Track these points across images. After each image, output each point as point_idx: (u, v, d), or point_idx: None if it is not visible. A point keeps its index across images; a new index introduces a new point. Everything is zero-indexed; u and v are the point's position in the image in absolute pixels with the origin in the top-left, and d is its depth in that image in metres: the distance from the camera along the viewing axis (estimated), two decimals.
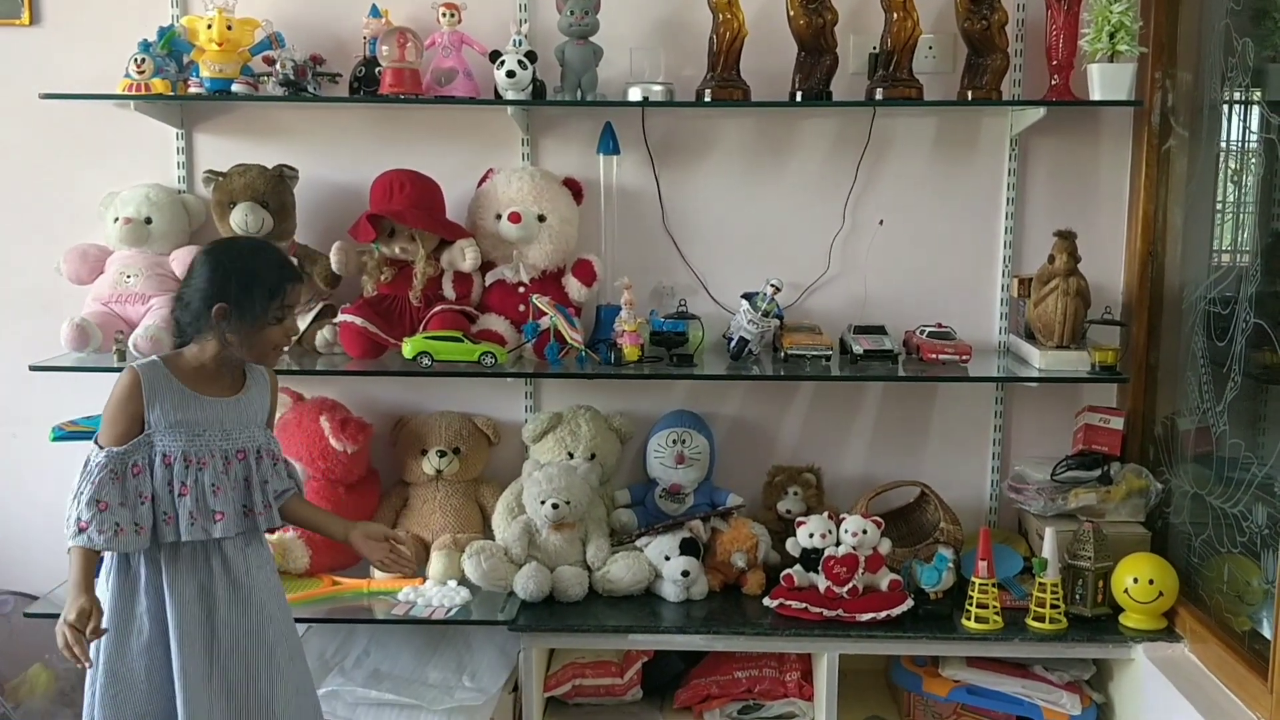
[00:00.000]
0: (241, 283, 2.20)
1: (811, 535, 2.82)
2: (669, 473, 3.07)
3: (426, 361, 2.81)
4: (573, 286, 3.03)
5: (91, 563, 2.18)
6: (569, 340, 2.86)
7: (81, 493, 2.16)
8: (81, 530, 2.14)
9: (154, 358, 2.26)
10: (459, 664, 2.99)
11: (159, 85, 2.92)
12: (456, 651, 3.03)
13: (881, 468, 3.19)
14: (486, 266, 3.03)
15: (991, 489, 3.18)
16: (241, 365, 2.32)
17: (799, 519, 2.87)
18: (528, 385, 3.19)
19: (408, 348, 2.82)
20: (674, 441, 3.07)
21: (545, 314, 2.86)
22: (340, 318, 2.93)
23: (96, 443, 2.21)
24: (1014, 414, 3.16)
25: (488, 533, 3.06)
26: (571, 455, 3.06)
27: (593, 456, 3.07)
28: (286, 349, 2.28)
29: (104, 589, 2.22)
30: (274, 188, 2.98)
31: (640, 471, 3.17)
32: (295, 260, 2.98)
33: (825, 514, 2.86)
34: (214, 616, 2.24)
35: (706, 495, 3.11)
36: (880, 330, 2.98)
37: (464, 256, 2.95)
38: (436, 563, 2.90)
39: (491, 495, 3.10)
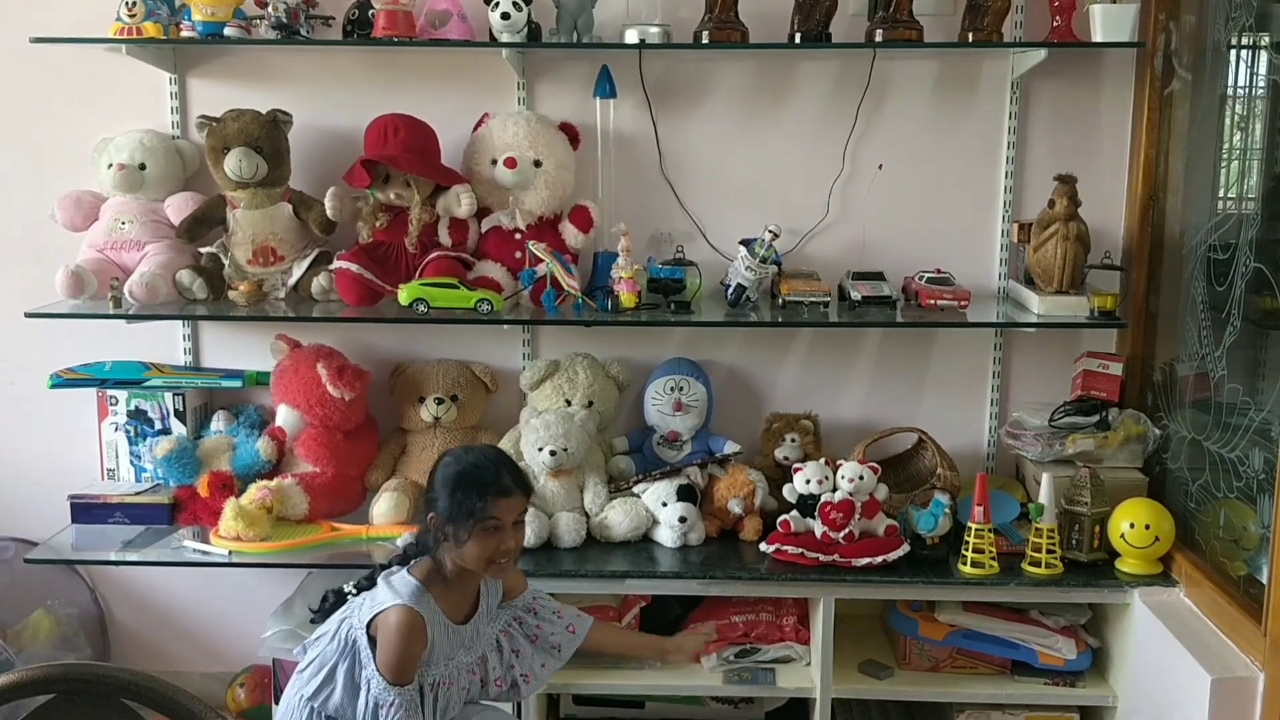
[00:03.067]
0: (450, 491, 2.19)
1: (808, 481, 2.82)
2: (666, 420, 3.07)
3: (422, 308, 2.80)
4: (569, 233, 3.01)
5: None
6: (565, 287, 2.84)
7: None
8: None
9: (413, 582, 2.21)
10: None
11: (150, 29, 2.88)
12: None
13: (879, 414, 3.19)
14: (482, 213, 3.01)
15: (990, 435, 3.18)
16: (478, 581, 2.31)
17: (796, 465, 2.87)
18: (525, 333, 3.18)
19: (404, 294, 2.81)
20: (671, 389, 3.07)
21: (542, 261, 2.84)
22: (336, 264, 2.91)
23: (385, 679, 2.15)
24: (1013, 360, 3.15)
25: None
26: (569, 403, 3.06)
27: (590, 404, 3.06)
28: (504, 561, 2.23)
29: None
30: (268, 133, 2.95)
31: (638, 418, 3.17)
32: (291, 206, 3.00)
33: (822, 460, 2.86)
34: None
35: (704, 442, 3.11)
36: (879, 276, 2.96)
37: (459, 202, 2.93)
38: None
39: (490, 442, 3.10)
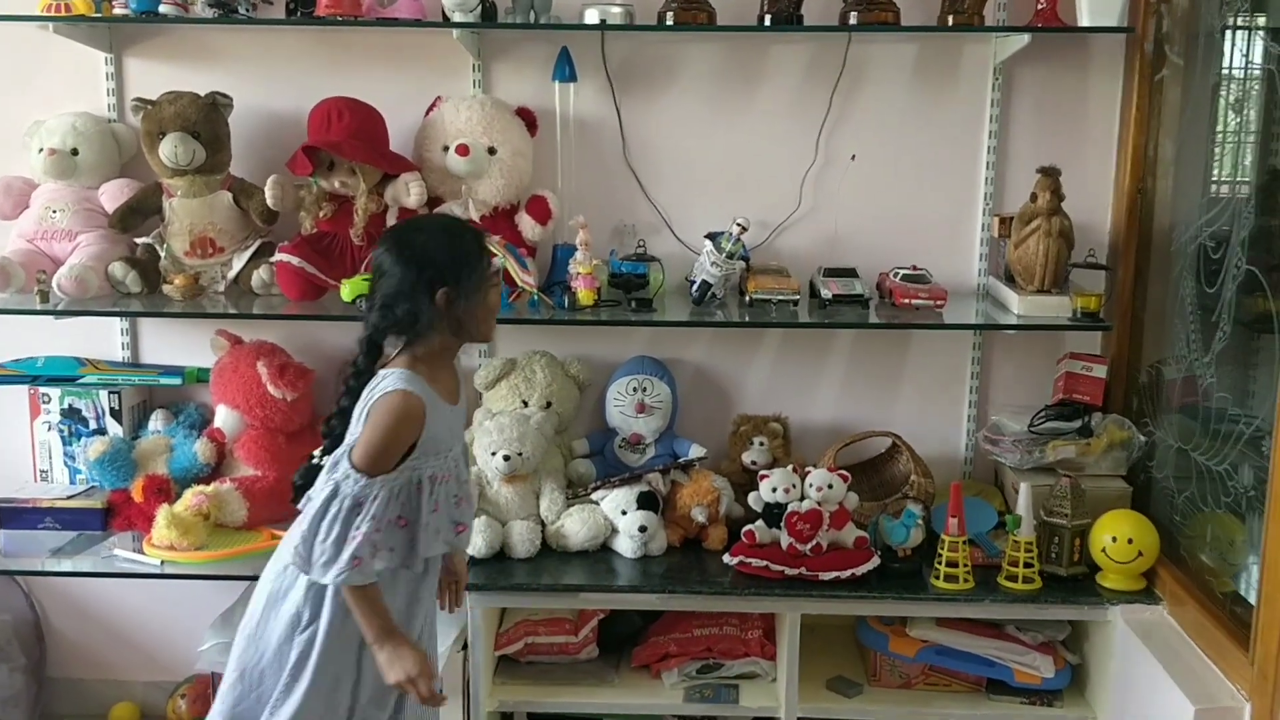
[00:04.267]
0: (453, 259, 2.02)
1: (774, 489, 2.68)
2: (629, 422, 2.92)
3: (365, 305, 2.63)
4: (526, 224, 2.85)
5: (381, 601, 2.03)
6: (519, 283, 2.68)
7: (357, 528, 1.96)
8: (356, 567, 1.96)
9: (405, 371, 2.02)
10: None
11: (81, 5, 2.72)
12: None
13: (852, 416, 3.05)
14: (434, 203, 2.85)
15: (967, 440, 3.04)
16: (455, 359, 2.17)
17: (762, 472, 2.72)
18: None
19: (346, 290, 2.65)
20: (634, 389, 2.92)
21: (495, 254, 2.67)
22: (276, 257, 2.75)
23: (357, 469, 1.98)
24: (992, 361, 3.01)
25: None
26: (526, 403, 2.91)
27: (548, 405, 2.91)
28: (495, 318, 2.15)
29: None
30: (206, 116, 2.78)
31: (599, 420, 3.02)
32: (231, 195, 2.84)
33: (790, 467, 2.71)
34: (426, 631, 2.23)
35: (668, 445, 2.97)
36: (851, 273, 2.81)
37: (408, 191, 2.76)
38: None
39: None
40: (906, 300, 2.70)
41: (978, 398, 3.01)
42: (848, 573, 2.59)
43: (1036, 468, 2.74)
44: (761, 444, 2.93)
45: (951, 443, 3.05)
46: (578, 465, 2.94)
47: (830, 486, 2.65)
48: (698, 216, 2.93)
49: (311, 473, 2.10)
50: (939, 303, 2.70)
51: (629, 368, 2.96)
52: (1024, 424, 2.82)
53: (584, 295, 2.69)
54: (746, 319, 2.75)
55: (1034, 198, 2.71)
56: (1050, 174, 2.69)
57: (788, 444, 2.96)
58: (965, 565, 2.60)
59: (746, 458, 2.92)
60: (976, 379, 3.01)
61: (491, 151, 2.78)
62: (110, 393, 2.96)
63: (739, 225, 2.71)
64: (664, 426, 2.95)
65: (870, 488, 2.98)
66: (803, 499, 2.67)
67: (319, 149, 2.72)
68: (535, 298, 2.71)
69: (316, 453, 2.13)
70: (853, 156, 2.86)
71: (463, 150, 2.74)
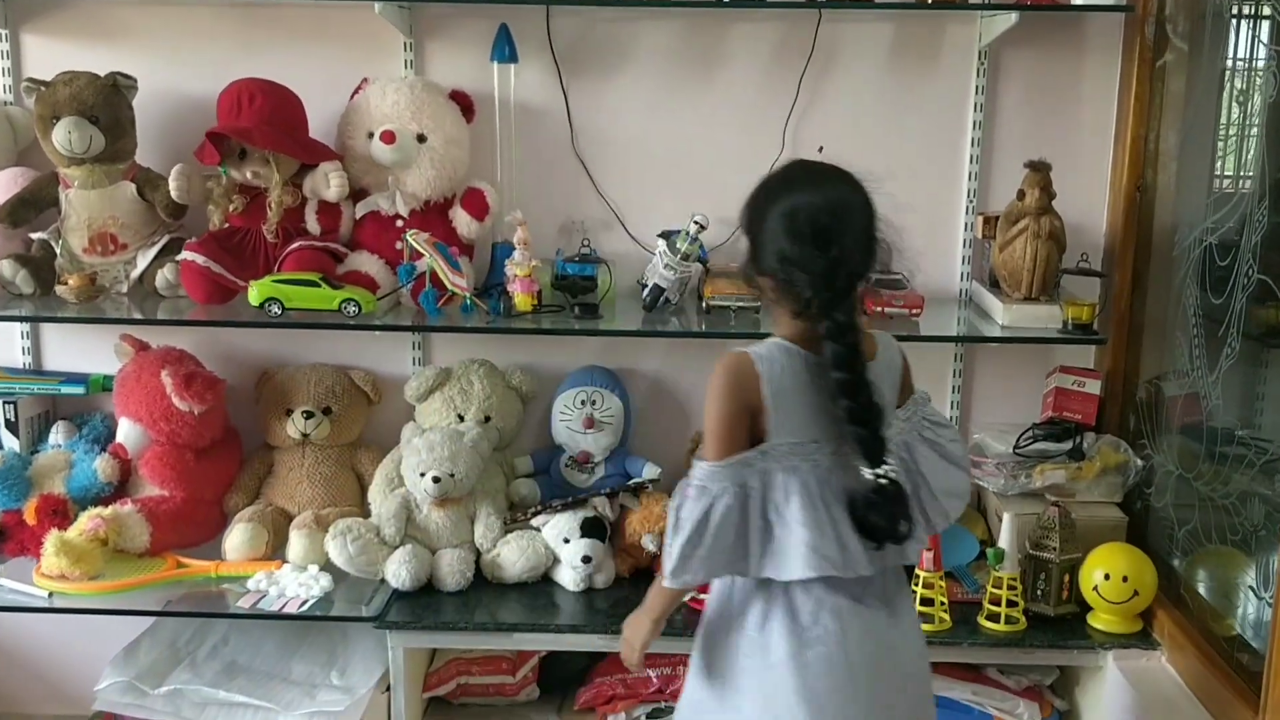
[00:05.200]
0: (864, 221, 1.74)
1: None
2: (577, 438, 2.66)
3: (275, 310, 2.37)
4: (461, 220, 2.58)
5: None
6: (449, 286, 2.41)
7: None
8: None
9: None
10: (330, 656, 2.62)
11: None
12: (329, 641, 2.65)
13: None
14: (359, 195, 2.58)
15: None
16: None
17: None
18: (415, 336, 2.75)
19: (254, 293, 2.37)
20: (582, 402, 2.66)
21: (422, 254, 2.41)
22: (181, 255, 2.48)
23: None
24: (975, 374, 2.75)
25: (366, 507, 2.64)
26: (462, 417, 2.64)
27: (487, 419, 2.65)
28: None
29: None
30: (106, 99, 2.50)
31: (545, 435, 2.75)
32: (136, 186, 2.57)
33: None
34: None
35: (620, 465, 2.70)
36: None
37: (328, 183, 2.49)
38: (296, 544, 2.48)
39: (371, 462, 2.69)
40: (879, 309, 2.43)
41: (959, 414, 2.75)
42: None
43: (1023, 493, 2.49)
44: None
45: None
46: (520, 486, 2.68)
47: None
48: (653, 212, 2.67)
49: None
50: (915, 311, 2.44)
51: (577, 379, 2.70)
52: (1009, 444, 2.57)
53: (521, 300, 2.42)
54: (703, 328, 2.48)
55: (1021, 195, 2.46)
56: (1039, 169, 2.43)
57: None
58: (942, 603, 2.34)
59: None
60: (957, 393, 2.75)
61: (421, 139, 2.51)
62: (5, 402, 2.69)
63: (696, 223, 2.44)
64: (615, 444, 2.69)
65: None
66: None
67: (227, 136, 2.44)
68: (468, 302, 2.44)
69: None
70: (820, 149, 2.58)
71: (388, 137, 2.47)
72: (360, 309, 2.38)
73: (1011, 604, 2.33)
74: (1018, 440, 2.56)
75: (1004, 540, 2.36)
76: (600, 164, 2.68)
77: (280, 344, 2.75)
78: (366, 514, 2.58)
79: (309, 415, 2.62)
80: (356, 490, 2.69)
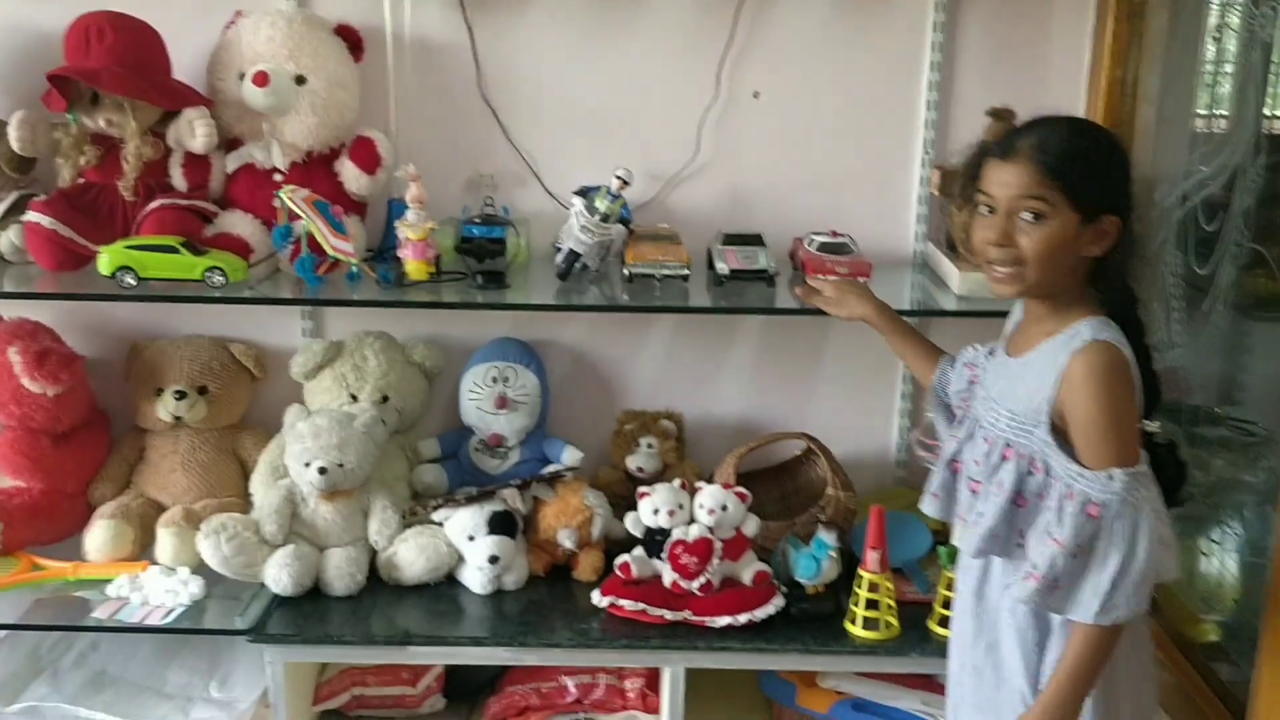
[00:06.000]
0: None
1: (656, 511, 2.15)
2: (487, 420, 2.38)
3: (130, 280, 2.05)
4: (349, 174, 2.27)
5: None
6: (331, 251, 2.10)
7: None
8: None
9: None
10: (211, 664, 2.37)
11: None
12: (211, 647, 2.39)
13: (760, 413, 2.53)
14: (232, 145, 2.26)
15: (898, 440, 2.53)
16: None
17: (641, 490, 2.19)
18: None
19: (103, 260, 2.05)
20: (494, 379, 2.38)
21: (300, 215, 2.10)
22: (26, 216, 2.15)
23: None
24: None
25: (250, 497, 2.35)
26: (355, 397, 2.35)
27: (384, 399, 2.36)
28: None
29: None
30: None
31: (453, 416, 2.47)
32: None
33: (676, 482, 2.19)
34: None
35: (536, 448, 2.43)
36: (755, 240, 2.26)
37: (192, 132, 2.17)
38: (163, 543, 2.19)
39: (255, 447, 2.40)
40: (822, 276, 2.15)
41: (912, 389, 2.49)
42: (744, 617, 2.08)
43: None
44: (650, 446, 2.41)
45: (879, 443, 2.54)
46: (424, 473, 2.40)
47: (725, 508, 2.14)
48: (573, 165, 2.37)
49: None
50: (862, 279, 2.16)
51: (488, 352, 2.41)
52: None
53: (414, 268, 2.12)
54: (625, 299, 2.19)
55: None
56: (1002, 118, 2.16)
57: (682, 446, 2.45)
58: (889, 606, 2.09)
59: (632, 463, 2.40)
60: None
61: (300, 81, 2.18)
62: None
63: (618, 178, 2.14)
64: (531, 425, 2.41)
65: (781, 495, 2.49)
66: (691, 522, 2.15)
67: (73, 79, 2.11)
68: (354, 269, 2.14)
69: None
70: (755, 94, 2.30)
71: (260, 79, 2.14)
72: (227, 278, 2.07)
73: None
74: None
75: (959, 537, 2.11)
76: (511, 110, 2.38)
77: (153, 314, 2.44)
78: (251, 505, 2.30)
79: (181, 395, 2.32)
80: (239, 479, 2.40)
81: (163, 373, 2.34)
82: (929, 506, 1.74)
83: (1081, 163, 1.47)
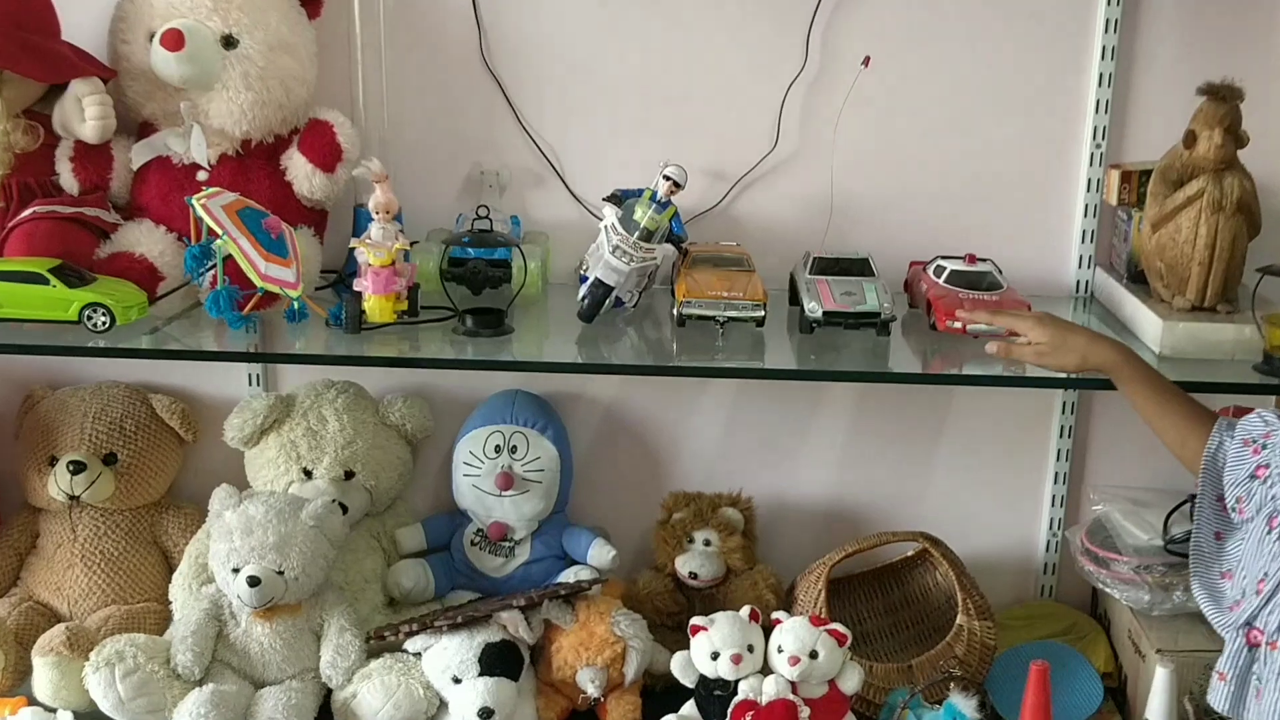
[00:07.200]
0: None
1: (716, 655, 1.53)
2: (488, 504, 1.79)
3: None
4: (300, 171, 1.68)
5: None
6: (258, 280, 1.50)
7: None
8: None
9: None
10: None
11: None
12: None
13: (858, 498, 1.91)
14: (144, 130, 1.68)
15: (1048, 534, 1.89)
16: None
17: (695, 622, 1.57)
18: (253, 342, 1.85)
19: None
20: (497, 449, 1.78)
21: (216, 233, 1.50)
22: None
23: None
24: (1094, 416, 1.88)
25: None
26: (309, 473, 1.75)
27: (349, 475, 1.76)
28: None
29: None
30: None
31: (445, 494, 1.87)
32: None
33: (745, 611, 1.57)
34: None
35: (553, 543, 1.84)
36: (860, 268, 1.64)
37: (81, 113, 1.58)
38: (41, 677, 1.61)
39: (182, 534, 1.83)
40: (958, 324, 1.51)
41: (1069, 469, 1.86)
42: None
43: (1178, 613, 1.59)
44: (708, 544, 1.81)
45: (1021, 543, 1.91)
46: (402, 574, 1.80)
47: (815, 655, 1.50)
48: (607, 160, 1.82)
49: None
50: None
51: (489, 412, 1.82)
52: (1152, 528, 1.69)
53: (375, 306, 1.51)
54: (674, 352, 1.56)
55: (1191, 140, 1.55)
56: (1225, 97, 1.52)
57: (752, 544, 1.84)
58: None
59: (684, 566, 1.80)
60: (1068, 436, 1.85)
61: (229, 43, 1.59)
62: None
63: (667, 179, 1.54)
64: (546, 511, 1.81)
65: (886, 607, 1.88)
66: (765, 672, 1.52)
67: None
68: (296, 304, 1.53)
69: None
70: (865, 61, 1.66)
71: (172, 39, 1.55)
72: (114, 319, 1.47)
73: None
74: (1166, 523, 1.66)
75: (1155, 701, 1.47)
76: (525, 87, 1.80)
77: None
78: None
79: (78, 467, 1.74)
80: (159, 577, 1.83)
81: (56, 435, 1.77)
82: (1216, 696, 1.23)
83: None
